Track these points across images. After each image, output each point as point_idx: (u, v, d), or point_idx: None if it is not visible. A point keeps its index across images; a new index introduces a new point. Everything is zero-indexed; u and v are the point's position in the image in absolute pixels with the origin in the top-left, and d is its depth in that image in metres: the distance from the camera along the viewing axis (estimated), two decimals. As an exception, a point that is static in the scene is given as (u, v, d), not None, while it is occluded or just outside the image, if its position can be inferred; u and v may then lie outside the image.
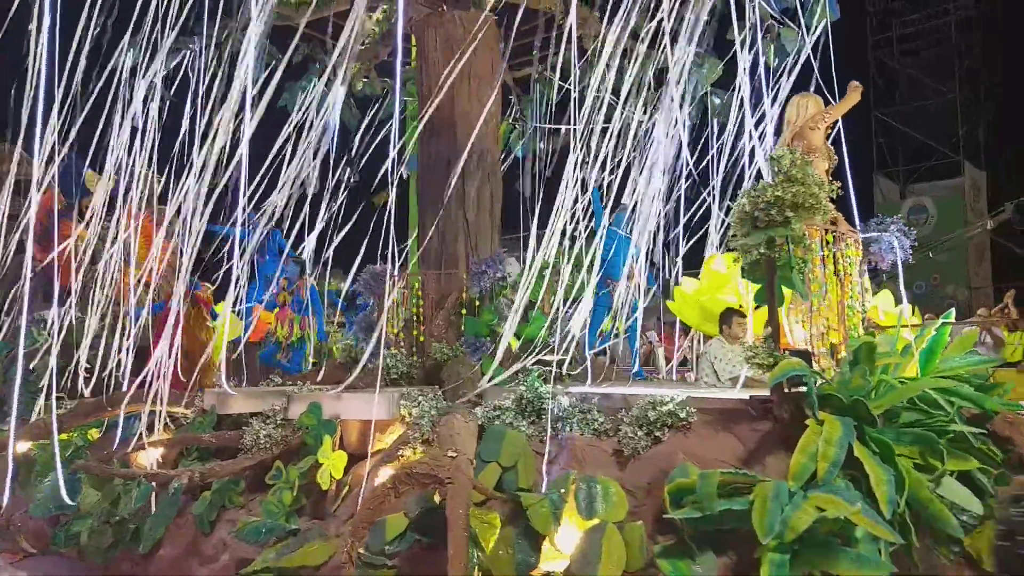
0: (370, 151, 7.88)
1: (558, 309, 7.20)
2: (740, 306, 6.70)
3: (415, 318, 6.97)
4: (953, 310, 5.10)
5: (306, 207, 7.23)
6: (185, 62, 8.15)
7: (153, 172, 7.59)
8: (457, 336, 6.90)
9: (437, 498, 4.16)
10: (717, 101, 9.12)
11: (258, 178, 6.62)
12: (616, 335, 7.11)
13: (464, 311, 6.86)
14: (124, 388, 6.64)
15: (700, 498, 3.77)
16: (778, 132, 6.09)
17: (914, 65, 25.14)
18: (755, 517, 3.66)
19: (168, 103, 7.92)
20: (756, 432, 4.36)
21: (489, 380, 5.86)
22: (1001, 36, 22.77)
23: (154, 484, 5.42)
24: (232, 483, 5.87)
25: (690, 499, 3.95)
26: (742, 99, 7.72)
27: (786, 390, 4.30)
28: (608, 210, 6.60)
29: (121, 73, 7.86)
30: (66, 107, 6.39)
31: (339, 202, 7.45)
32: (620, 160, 6.86)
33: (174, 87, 8.14)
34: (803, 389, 4.30)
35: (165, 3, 6.81)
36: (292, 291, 8.78)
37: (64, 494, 5.42)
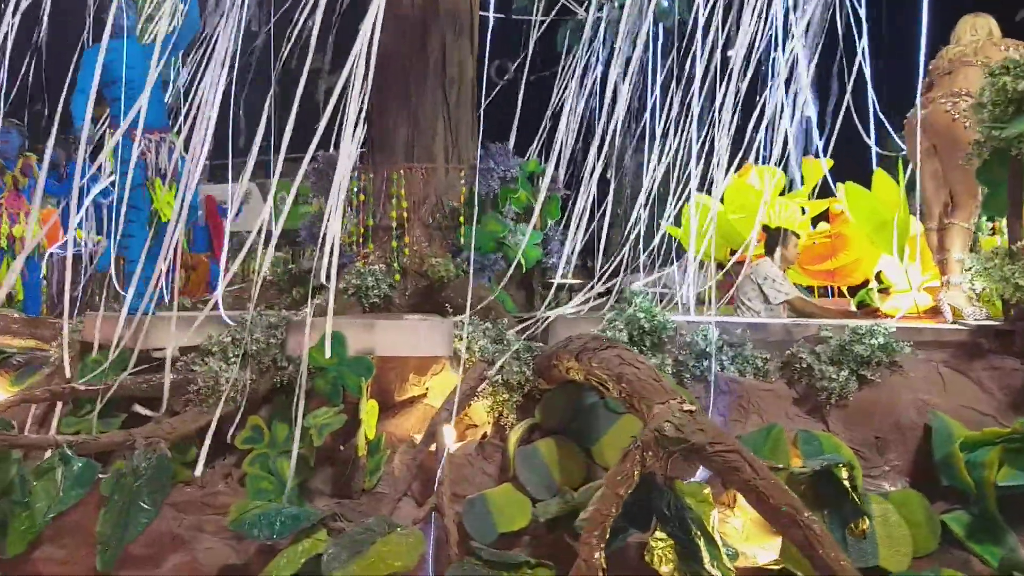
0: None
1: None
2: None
3: (396, 225, 5.23)
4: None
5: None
6: None
7: None
8: (445, 250, 5.31)
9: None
10: (665, 4, 8.20)
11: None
12: None
13: (462, 219, 5.26)
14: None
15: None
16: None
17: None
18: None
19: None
20: (998, 371, 3.46)
21: (550, 305, 4.44)
22: None
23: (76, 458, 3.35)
24: (177, 450, 3.94)
25: (995, 455, 2.97)
26: None
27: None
28: None
29: None
30: None
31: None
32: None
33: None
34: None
35: None
36: (22, 167, 6.01)
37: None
